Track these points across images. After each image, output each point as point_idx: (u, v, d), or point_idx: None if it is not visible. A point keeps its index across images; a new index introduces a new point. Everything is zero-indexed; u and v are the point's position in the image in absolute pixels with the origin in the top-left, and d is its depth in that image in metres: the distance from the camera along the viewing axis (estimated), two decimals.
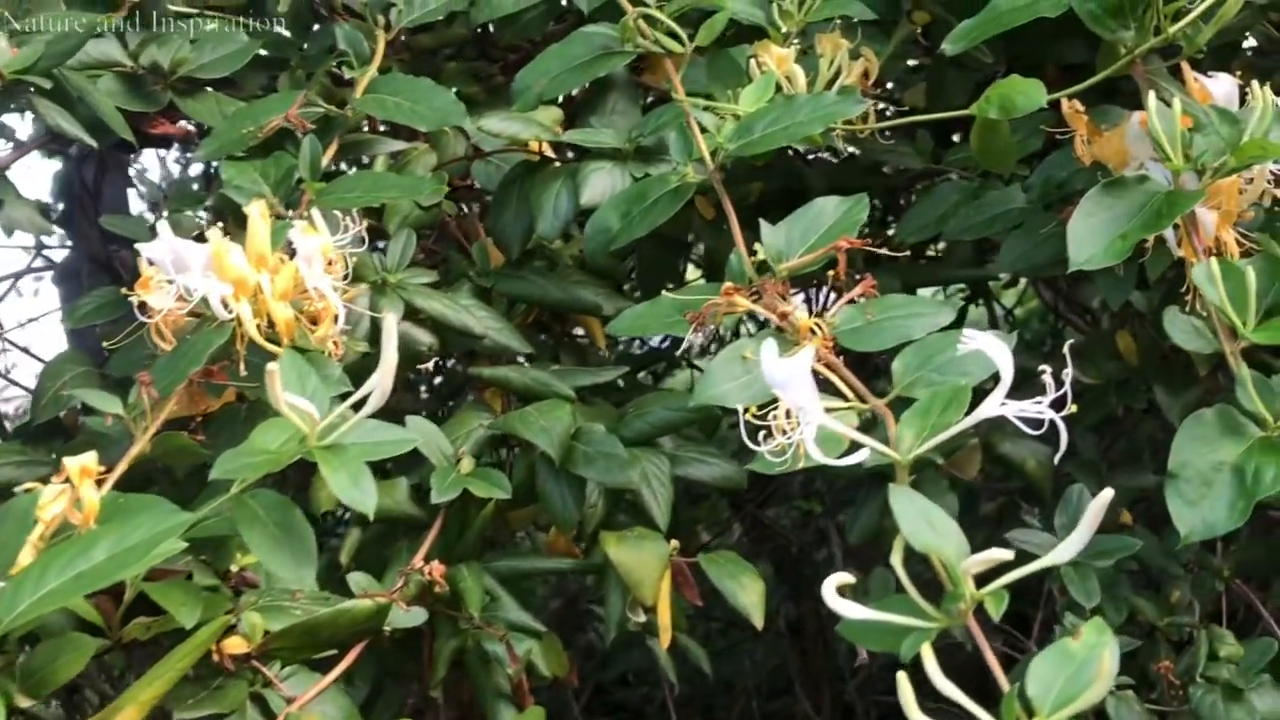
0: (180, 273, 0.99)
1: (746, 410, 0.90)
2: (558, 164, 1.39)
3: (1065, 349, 0.87)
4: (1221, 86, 1.23)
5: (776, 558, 2.28)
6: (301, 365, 0.94)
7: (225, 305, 0.99)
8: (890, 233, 1.89)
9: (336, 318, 1.06)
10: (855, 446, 0.86)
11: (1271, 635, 1.51)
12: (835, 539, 1.71)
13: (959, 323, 2.24)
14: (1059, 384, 0.85)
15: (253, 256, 1.01)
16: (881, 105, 1.53)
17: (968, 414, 0.86)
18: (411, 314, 1.25)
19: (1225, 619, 1.61)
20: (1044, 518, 1.65)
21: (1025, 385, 1.69)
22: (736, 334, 1.90)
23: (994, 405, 0.84)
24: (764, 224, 1.12)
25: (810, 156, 1.84)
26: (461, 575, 1.16)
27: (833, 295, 1.14)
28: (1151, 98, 1.08)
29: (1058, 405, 0.85)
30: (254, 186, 1.20)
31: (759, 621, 1.16)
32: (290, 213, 1.17)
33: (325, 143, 1.29)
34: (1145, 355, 1.65)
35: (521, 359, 1.36)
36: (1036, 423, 0.88)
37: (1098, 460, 1.65)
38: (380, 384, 0.88)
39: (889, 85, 1.82)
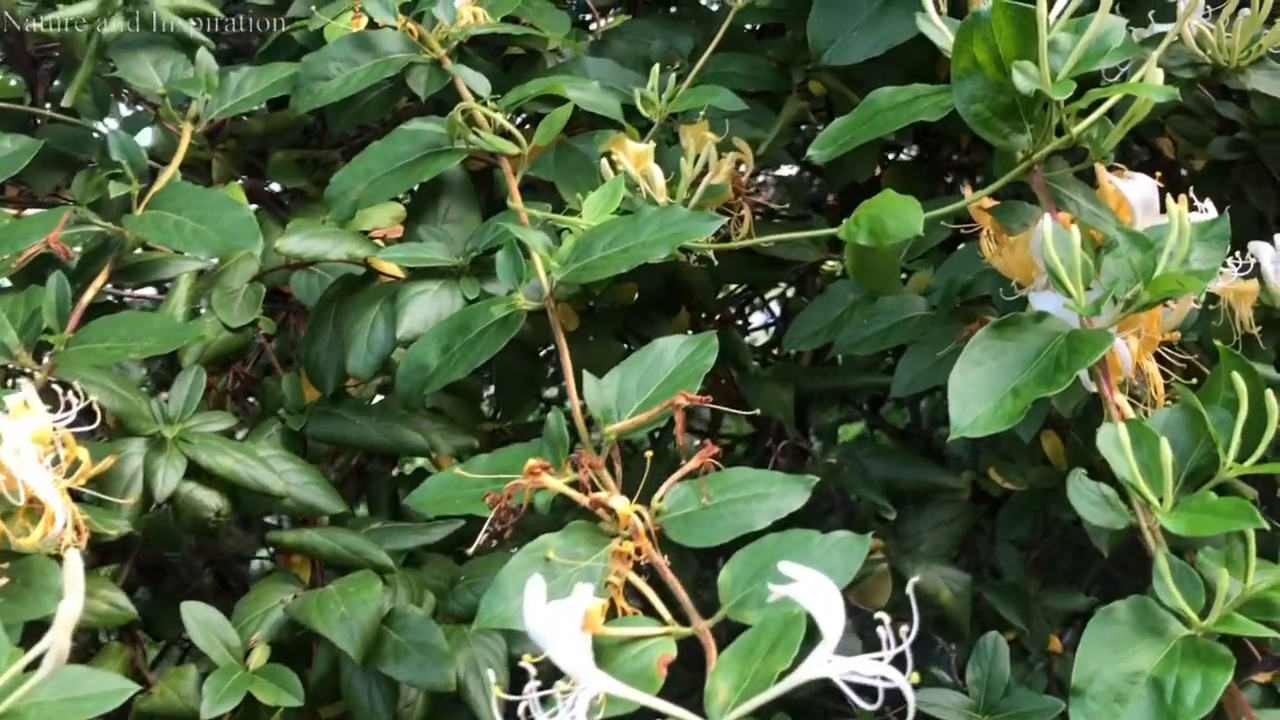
0: None
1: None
2: (383, 279, 1.20)
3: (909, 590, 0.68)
4: (1139, 190, 1.05)
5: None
6: None
7: None
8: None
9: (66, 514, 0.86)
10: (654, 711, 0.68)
11: None
12: None
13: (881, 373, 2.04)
14: (898, 637, 0.66)
15: None
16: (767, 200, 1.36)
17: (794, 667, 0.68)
18: (198, 471, 1.06)
19: None
20: (963, 648, 1.48)
21: (931, 499, 1.51)
22: None
23: (819, 665, 0.65)
24: (589, 377, 0.94)
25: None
26: None
27: None
28: (1046, 221, 0.91)
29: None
30: None
31: None
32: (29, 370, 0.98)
33: (95, 269, 1.10)
34: (1073, 461, 1.48)
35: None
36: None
37: (1023, 582, 1.47)
38: (56, 644, 0.69)
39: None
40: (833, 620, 0.65)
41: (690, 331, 1.58)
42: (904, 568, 1.39)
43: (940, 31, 0.99)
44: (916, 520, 1.45)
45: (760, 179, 2.39)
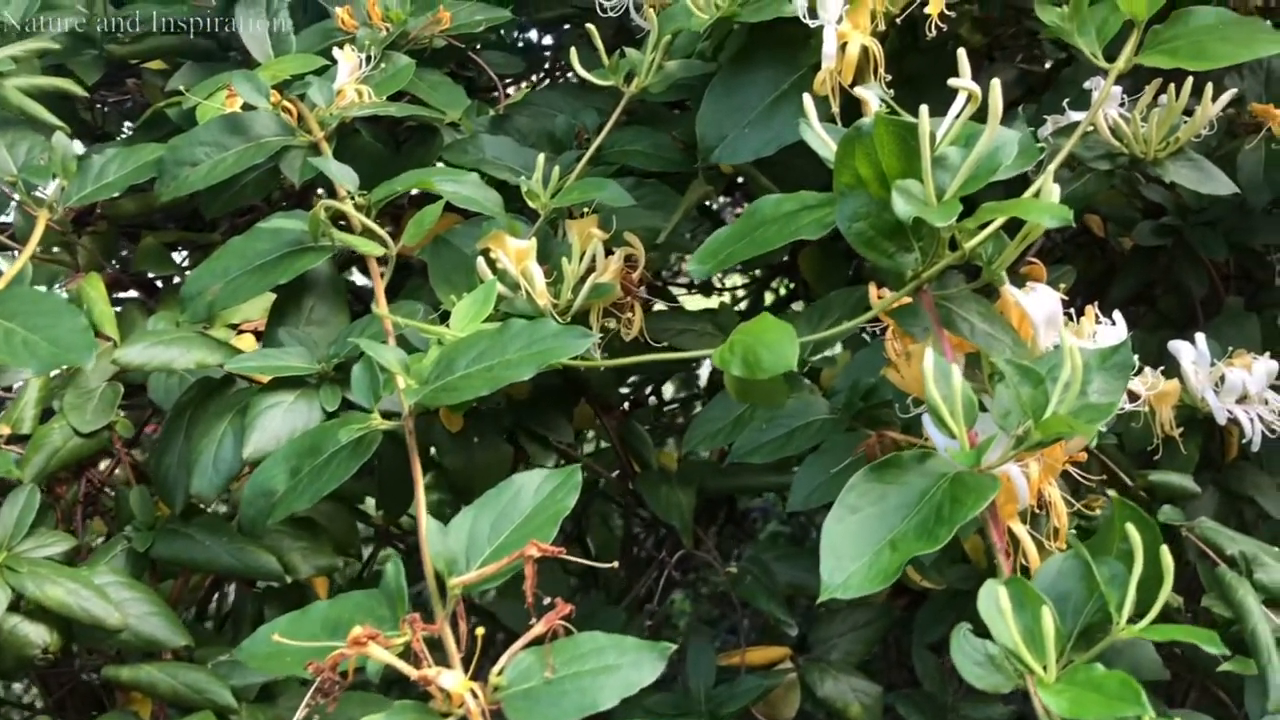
0: None
1: None
2: (242, 385, 1.11)
3: None
4: (1043, 305, 0.98)
5: None
6: None
7: None
8: None
9: None
10: None
11: None
12: None
13: None
14: None
15: None
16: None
17: None
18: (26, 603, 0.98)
19: None
20: None
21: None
22: None
23: None
24: (433, 523, 0.86)
25: None
26: None
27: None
28: (928, 357, 0.83)
29: None
30: None
31: None
32: None
33: None
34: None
35: None
36: None
37: (940, 692, 1.39)
38: None
39: None
40: None
41: (598, 420, 1.51)
42: (812, 679, 1.32)
43: (823, 142, 0.92)
44: (829, 625, 1.37)
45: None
